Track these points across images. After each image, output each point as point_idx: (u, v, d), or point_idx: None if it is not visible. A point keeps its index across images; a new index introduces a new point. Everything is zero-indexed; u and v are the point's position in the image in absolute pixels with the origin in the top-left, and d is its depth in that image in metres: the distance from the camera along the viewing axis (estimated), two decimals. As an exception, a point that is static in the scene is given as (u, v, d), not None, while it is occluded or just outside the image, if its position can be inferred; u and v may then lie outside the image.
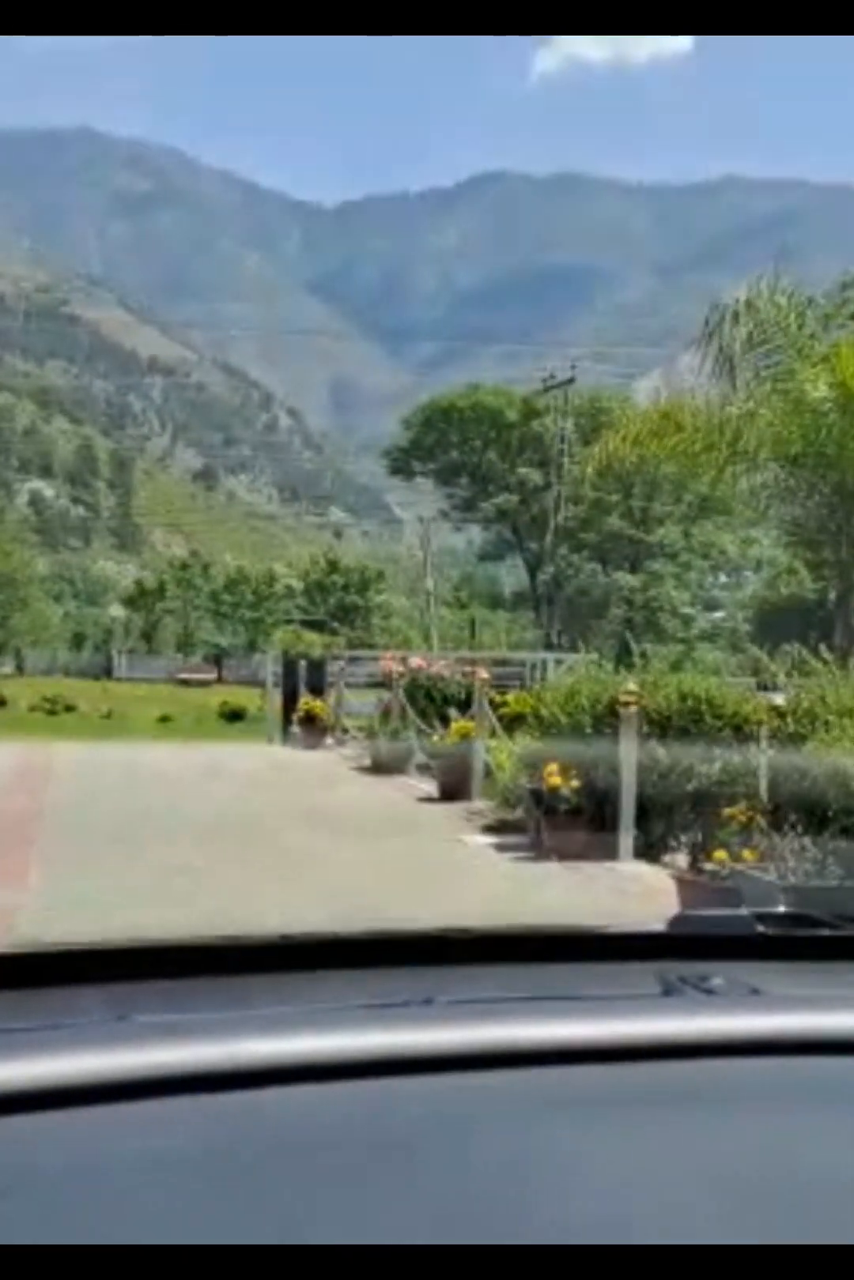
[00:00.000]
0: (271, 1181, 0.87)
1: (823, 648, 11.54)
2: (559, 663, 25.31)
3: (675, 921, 1.56)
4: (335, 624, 56.03)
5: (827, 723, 9.12)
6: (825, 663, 10.81)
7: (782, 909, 1.60)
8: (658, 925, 1.53)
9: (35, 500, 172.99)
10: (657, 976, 1.26)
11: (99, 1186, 0.86)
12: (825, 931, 1.64)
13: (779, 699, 10.41)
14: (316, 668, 24.42)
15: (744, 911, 1.59)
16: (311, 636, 26.67)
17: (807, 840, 7.81)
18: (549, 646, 42.33)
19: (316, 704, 22.39)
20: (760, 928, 1.55)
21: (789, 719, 9.81)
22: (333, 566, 72.15)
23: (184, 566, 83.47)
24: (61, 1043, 0.97)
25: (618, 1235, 0.84)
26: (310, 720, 21.85)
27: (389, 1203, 0.87)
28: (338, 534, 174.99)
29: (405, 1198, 0.88)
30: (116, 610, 74.95)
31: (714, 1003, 1.20)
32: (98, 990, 1.20)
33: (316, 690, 23.36)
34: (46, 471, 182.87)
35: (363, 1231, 0.84)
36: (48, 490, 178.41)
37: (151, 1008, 1.11)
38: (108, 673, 63.11)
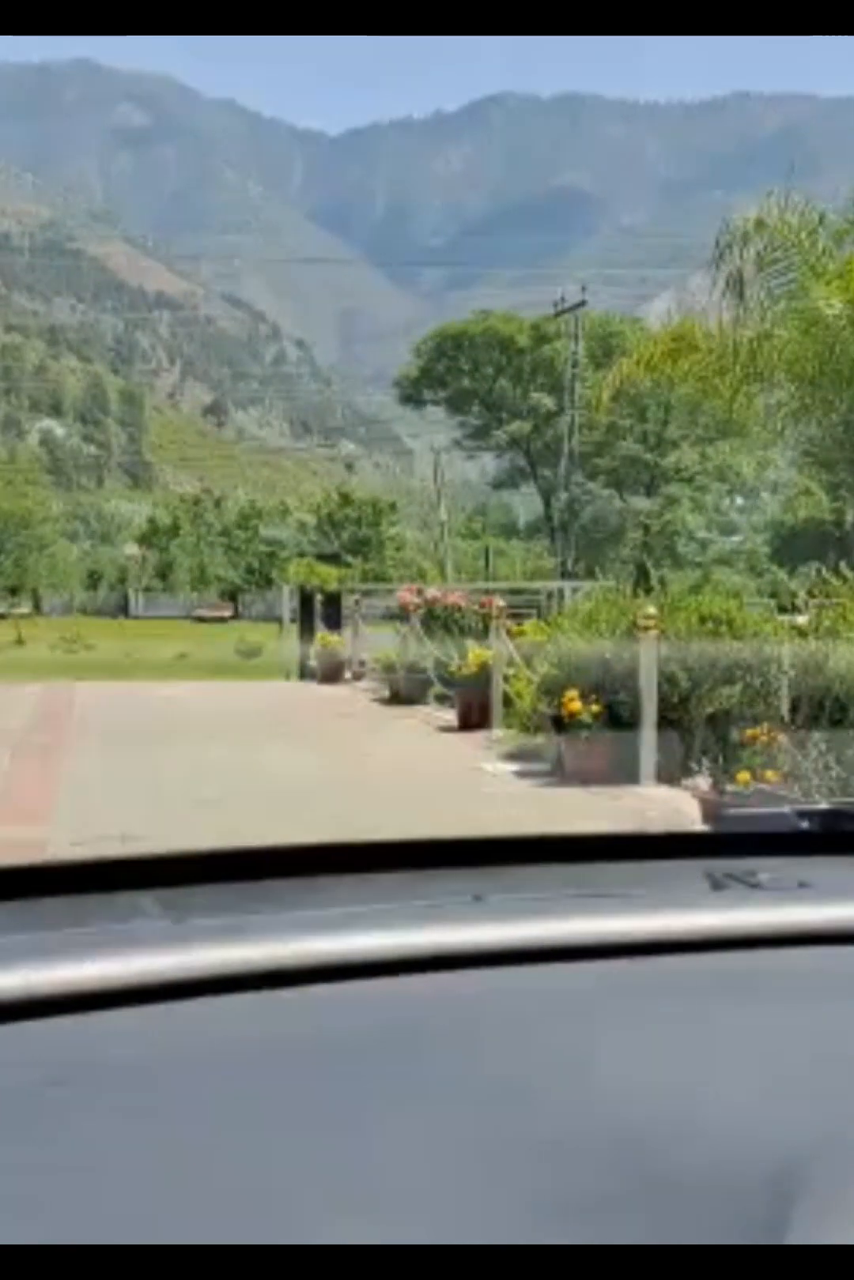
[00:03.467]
0: (329, 1073, 0.89)
1: (842, 567, 11.51)
2: (576, 590, 25.28)
3: (718, 822, 1.56)
4: (349, 557, 55.94)
5: (848, 641, 9.10)
6: (845, 581, 10.78)
7: (824, 805, 1.59)
8: (702, 826, 1.54)
9: (47, 439, 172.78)
10: (704, 873, 1.27)
11: (163, 1080, 0.88)
12: None
13: (801, 620, 10.39)
14: (332, 602, 24.42)
15: (787, 809, 1.59)
16: (326, 570, 26.64)
17: (829, 758, 7.82)
18: (565, 575, 42.24)
19: (333, 638, 22.42)
20: (804, 824, 1.55)
21: (810, 639, 9.80)
22: (345, 500, 71.99)
23: (196, 503, 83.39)
24: (124, 943, 0.99)
25: (673, 1122, 0.85)
26: (327, 654, 21.89)
27: (445, 1092, 0.88)
28: (350, 466, 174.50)
29: (461, 1086, 0.89)
30: (131, 548, 74.84)
31: (763, 896, 1.21)
32: (153, 895, 1.22)
33: (333, 624, 23.39)
34: (57, 410, 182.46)
35: (419, 1119, 0.85)
36: (59, 429, 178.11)
37: (206, 911, 1.14)
38: (124, 611, 63.27)
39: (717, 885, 1.24)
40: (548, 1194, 0.77)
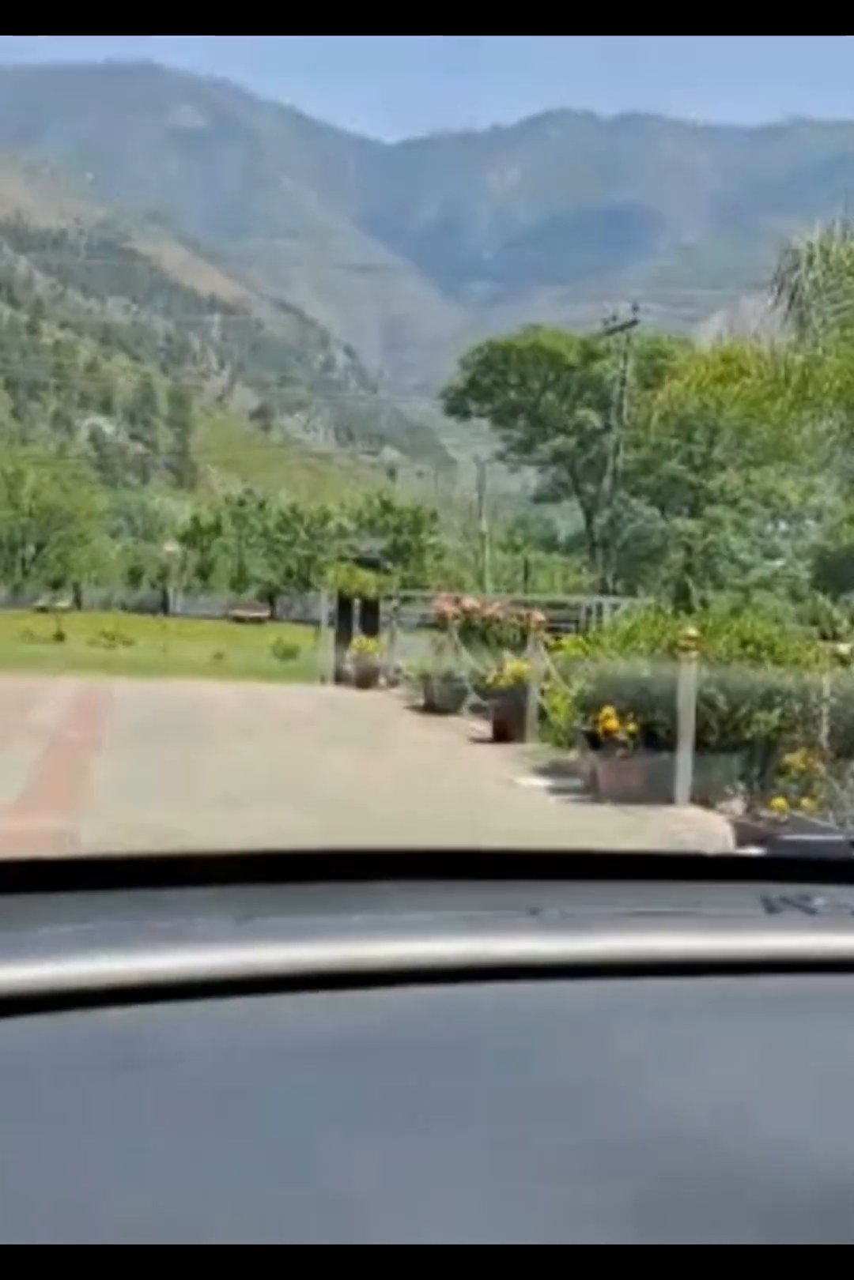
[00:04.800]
0: (388, 1077, 0.91)
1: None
2: (615, 608, 25.17)
3: (772, 845, 1.60)
4: (389, 564, 55.99)
5: (891, 671, 9.01)
6: (889, 611, 10.67)
7: None
8: (756, 849, 1.54)
9: (95, 436, 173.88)
10: (758, 896, 1.28)
11: (224, 1075, 0.90)
12: None
13: (844, 647, 10.29)
14: (370, 607, 24.42)
15: (840, 837, 1.58)
16: (365, 576, 26.60)
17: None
18: (605, 591, 42.10)
19: (370, 643, 22.42)
20: None
21: (853, 666, 9.70)
22: (386, 507, 72.05)
23: (240, 504, 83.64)
24: (190, 939, 1.01)
25: (725, 1138, 0.86)
26: (363, 660, 21.88)
27: (501, 1100, 0.90)
28: (392, 474, 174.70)
29: (517, 1096, 0.90)
30: (172, 547, 75.15)
31: (817, 921, 1.22)
32: (214, 893, 1.25)
33: (370, 630, 23.38)
34: (106, 408, 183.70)
35: (475, 1125, 0.86)
36: (107, 427, 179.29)
37: (265, 911, 1.15)
38: (164, 609, 63.47)
39: (772, 908, 1.25)
40: (600, 1200, 0.79)
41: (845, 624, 11.24)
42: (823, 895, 1.28)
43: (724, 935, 1.12)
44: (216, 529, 78.72)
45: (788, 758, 8.95)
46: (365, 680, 21.35)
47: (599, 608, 26.64)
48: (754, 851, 1.55)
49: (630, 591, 36.24)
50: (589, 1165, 0.82)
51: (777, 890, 1.30)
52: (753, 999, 1.06)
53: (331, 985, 0.97)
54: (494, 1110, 0.88)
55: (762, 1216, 0.78)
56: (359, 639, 22.73)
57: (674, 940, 1.08)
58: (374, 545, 46.28)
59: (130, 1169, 0.79)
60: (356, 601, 24.64)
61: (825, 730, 9.14)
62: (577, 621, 24.21)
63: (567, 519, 72.73)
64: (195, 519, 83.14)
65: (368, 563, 32.39)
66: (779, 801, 8.40)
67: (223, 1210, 0.76)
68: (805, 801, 8.25)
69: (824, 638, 12.17)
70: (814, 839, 1.86)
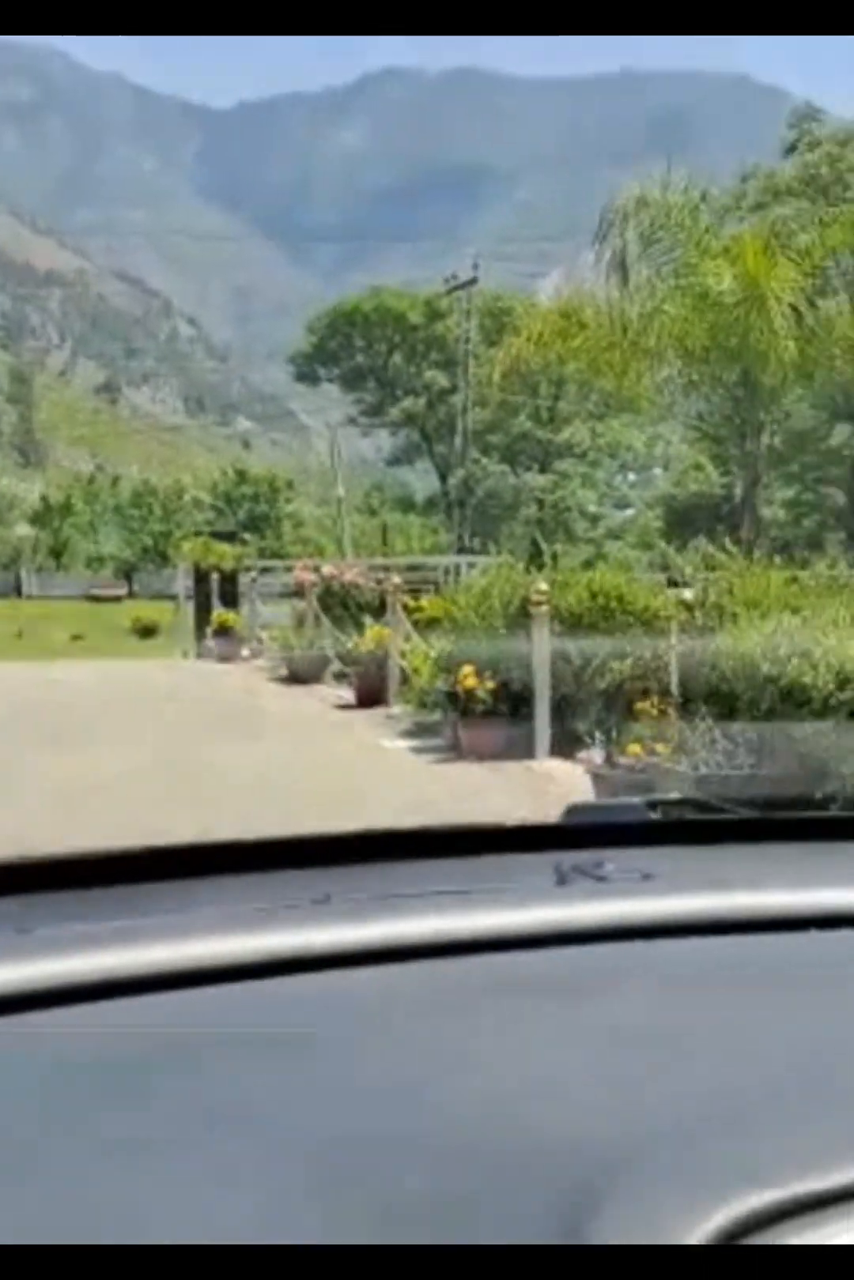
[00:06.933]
0: (172, 1081, 0.89)
1: (730, 542, 11.72)
2: (472, 566, 25.37)
3: (569, 812, 1.55)
4: (246, 535, 55.57)
5: (734, 615, 9.29)
6: (731, 556, 10.99)
7: (675, 795, 1.63)
8: (552, 818, 1.53)
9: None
10: (551, 867, 1.27)
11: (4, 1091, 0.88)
12: (716, 815, 1.69)
13: (688, 594, 10.56)
14: (229, 580, 24.28)
15: (637, 800, 1.61)
16: (222, 548, 26.38)
17: (716, 731, 7.98)
18: (462, 550, 42.36)
19: (230, 616, 22.31)
20: (653, 815, 1.57)
21: (697, 612, 9.97)
22: (241, 477, 71.41)
23: (91, 481, 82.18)
24: None
25: (512, 1116, 0.84)
26: (224, 632, 21.78)
27: (287, 1097, 0.88)
28: (246, 444, 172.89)
29: (304, 1092, 0.89)
30: (23, 529, 73.44)
31: (606, 889, 1.22)
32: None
33: (230, 602, 23.26)
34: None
35: (260, 1126, 0.84)
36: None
37: (48, 920, 1.12)
38: (18, 591, 62.13)
39: (563, 879, 1.25)
40: (378, 1196, 0.75)
41: (690, 571, 11.53)
42: (614, 861, 1.27)
43: (514, 910, 1.11)
44: (67, 508, 77.21)
45: (640, 705, 9.18)
46: (227, 653, 21.25)
47: (457, 567, 26.83)
48: (549, 820, 1.56)
49: (487, 549, 36.52)
50: (367, 1161, 0.80)
51: (570, 859, 1.29)
52: (543, 974, 1.04)
53: (112, 994, 0.94)
54: (272, 1108, 0.86)
55: (534, 1206, 0.74)
56: (219, 612, 22.59)
57: (464, 919, 1.07)
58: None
59: None
60: (215, 575, 24.47)
61: (675, 676, 9.40)
62: (436, 582, 24.37)
63: (422, 480, 72.85)
64: (45, 498, 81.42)
65: (224, 535, 32.16)
66: (635, 748, 8.63)
67: None
68: (660, 747, 8.48)
69: (673, 584, 12.46)
70: (610, 802, 1.91)
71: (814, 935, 1.13)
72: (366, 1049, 0.94)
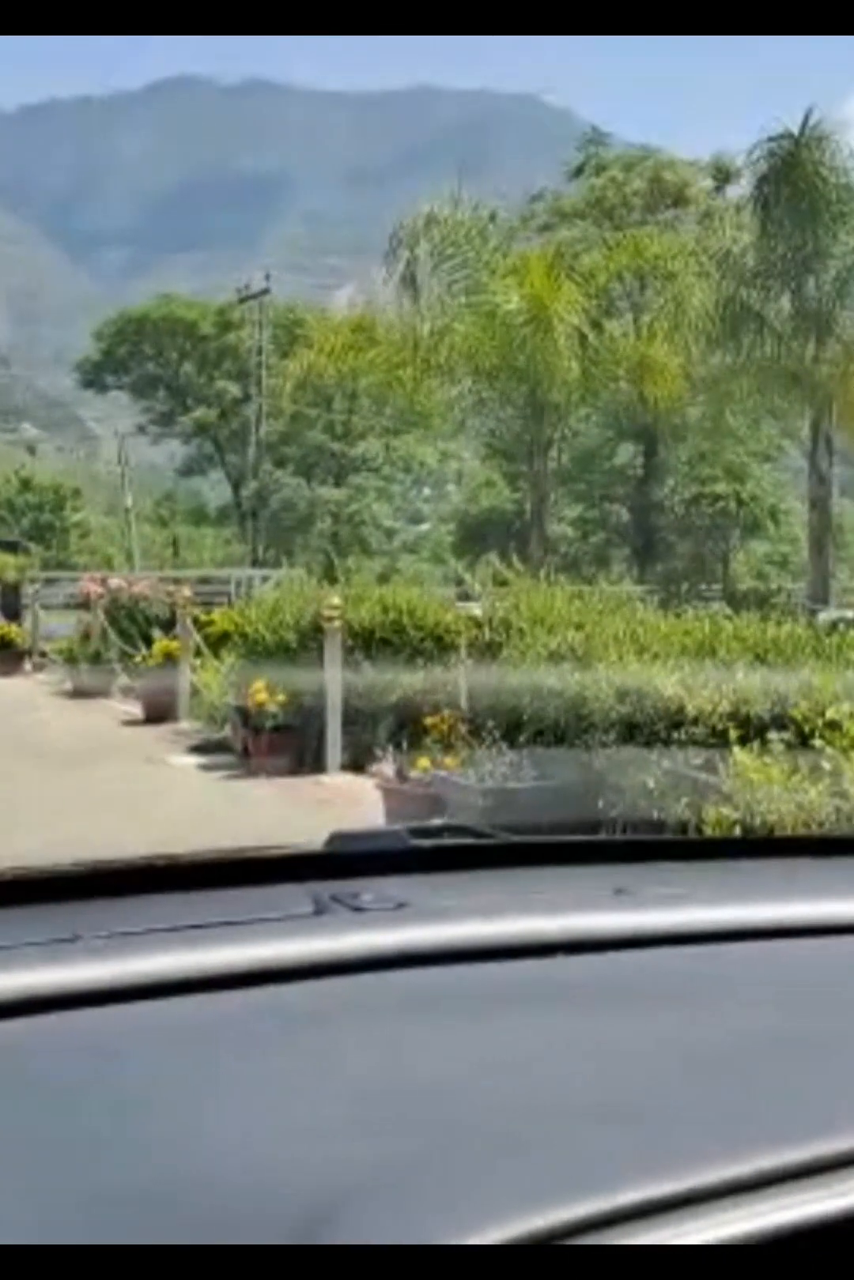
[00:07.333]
0: None
1: (519, 558, 11.94)
2: (266, 579, 25.28)
3: (332, 840, 1.55)
4: (30, 544, 54.14)
5: (520, 631, 9.45)
6: (518, 572, 11.19)
7: (437, 822, 1.63)
8: (314, 845, 1.53)
9: None
10: (310, 896, 1.27)
11: None
12: (474, 841, 1.70)
13: (476, 609, 10.71)
14: (12, 590, 23.68)
15: (399, 827, 1.62)
16: (5, 559, 25.70)
17: (503, 745, 8.11)
18: (256, 563, 42.14)
19: (12, 629, 21.72)
20: (414, 842, 1.58)
21: (486, 628, 10.12)
22: (25, 485, 69.55)
23: None
24: None
25: (268, 1151, 0.83)
26: (5, 645, 21.18)
27: (31, 1142, 0.85)
28: (31, 450, 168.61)
29: (50, 1136, 0.86)
30: None
31: (361, 919, 1.22)
32: None
33: (12, 614, 22.66)
34: None
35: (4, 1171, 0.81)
36: None
37: None
38: None
39: (320, 908, 1.25)
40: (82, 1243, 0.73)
41: (479, 586, 11.69)
42: (371, 890, 1.28)
43: (268, 942, 1.10)
44: None
45: (430, 719, 9.26)
46: (8, 667, 20.64)
47: (250, 580, 26.68)
48: (311, 848, 1.51)
49: (281, 562, 36.41)
50: (78, 1208, 0.77)
51: (328, 888, 1.29)
52: (297, 1006, 1.04)
53: None
54: (18, 1157, 0.83)
55: (255, 1232, 0.73)
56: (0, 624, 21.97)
57: (217, 953, 1.06)
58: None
59: None
60: (-6, 585, 23.82)
61: (464, 691, 9.51)
62: (228, 595, 24.19)
63: (215, 491, 72.09)
64: None
65: (7, 544, 31.35)
66: (423, 762, 8.71)
67: None
68: (448, 760, 8.58)
69: (463, 599, 12.63)
70: (372, 830, 1.92)
71: (562, 960, 1.14)
72: (120, 1090, 0.92)
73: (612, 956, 1.17)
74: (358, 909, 1.24)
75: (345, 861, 1.49)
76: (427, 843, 1.61)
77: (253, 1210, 0.76)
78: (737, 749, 6.51)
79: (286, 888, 1.38)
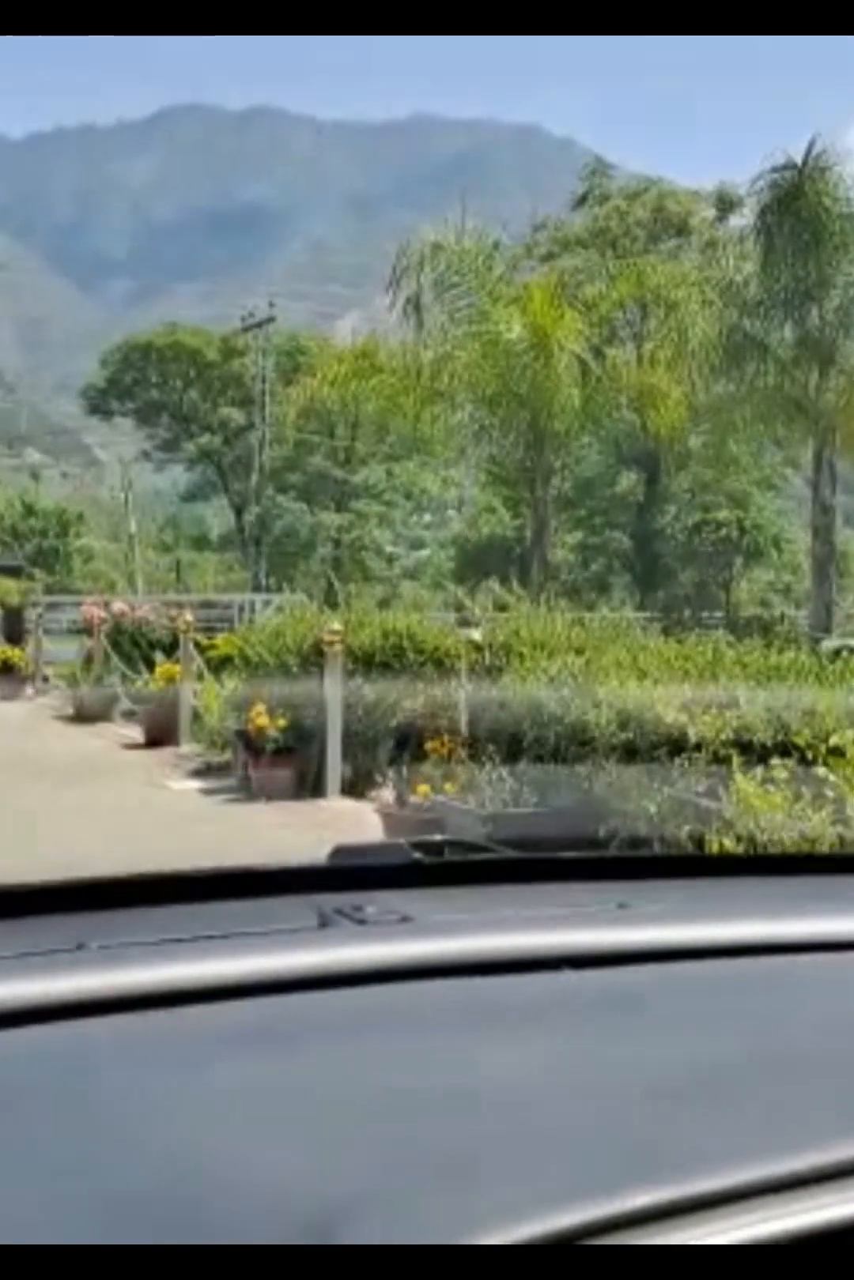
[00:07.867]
0: None
1: (519, 584, 11.94)
2: (268, 604, 25.31)
3: (335, 854, 1.56)
4: (34, 570, 54.24)
5: (520, 655, 9.44)
6: (519, 598, 11.19)
7: (439, 838, 1.64)
8: (318, 859, 1.54)
9: None
10: (314, 909, 1.28)
11: None
12: (476, 856, 1.70)
13: (477, 634, 10.70)
14: (15, 614, 23.70)
15: (402, 841, 1.62)
16: (8, 583, 25.75)
17: (503, 770, 8.09)
18: (258, 588, 42.18)
19: (14, 653, 21.73)
20: (417, 856, 1.59)
21: (486, 653, 10.11)
22: (29, 510, 69.67)
23: None
24: None
25: (272, 1163, 0.83)
26: (8, 669, 21.17)
27: (35, 1151, 0.85)
28: (36, 476, 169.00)
29: (55, 1145, 0.86)
30: None
31: (366, 932, 1.23)
32: None
33: (15, 638, 22.68)
34: None
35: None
36: None
37: None
38: None
39: (324, 921, 1.25)
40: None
41: (478, 611, 11.69)
42: (374, 903, 1.29)
43: (273, 954, 1.10)
44: None
45: (431, 744, 9.24)
46: (11, 691, 20.65)
47: (252, 605, 26.71)
48: (314, 862, 1.56)
49: (283, 588, 36.44)
50: (93, 1218, 0.77)
51: (332, 901, 1.30)
52: (303, 1017, 1.04)
53: None
54: (20, 1160, 0.83)
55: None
56: (1, 648, 21.98)
57: (224, 964, 1.06)
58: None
59: None
60: (-1, 609, 23.84)
61: (465, 716, 9.50)
62: (230, 620, 24.22)
63: (218, 516, 72.22)
64: None
65: (10, 569, 31.41)
66: (423, 788, 8.68)
67: None
68: (448, 786, 8.56)
69: (463, 625, 12.63)
70: (375, 844, 1.92)
71: (565, 974, 1.15)
72: (127, 1097, 0.92)
73: (615, 971, 1.18)
74: (361, 922, 1.25)
75: (349, 875, 1.50)
76: (429, 857, 1.61)
77: (257, 1222, 0.76)
78: (739, 775, 6.50)
79: (290, 900, 1.39)
